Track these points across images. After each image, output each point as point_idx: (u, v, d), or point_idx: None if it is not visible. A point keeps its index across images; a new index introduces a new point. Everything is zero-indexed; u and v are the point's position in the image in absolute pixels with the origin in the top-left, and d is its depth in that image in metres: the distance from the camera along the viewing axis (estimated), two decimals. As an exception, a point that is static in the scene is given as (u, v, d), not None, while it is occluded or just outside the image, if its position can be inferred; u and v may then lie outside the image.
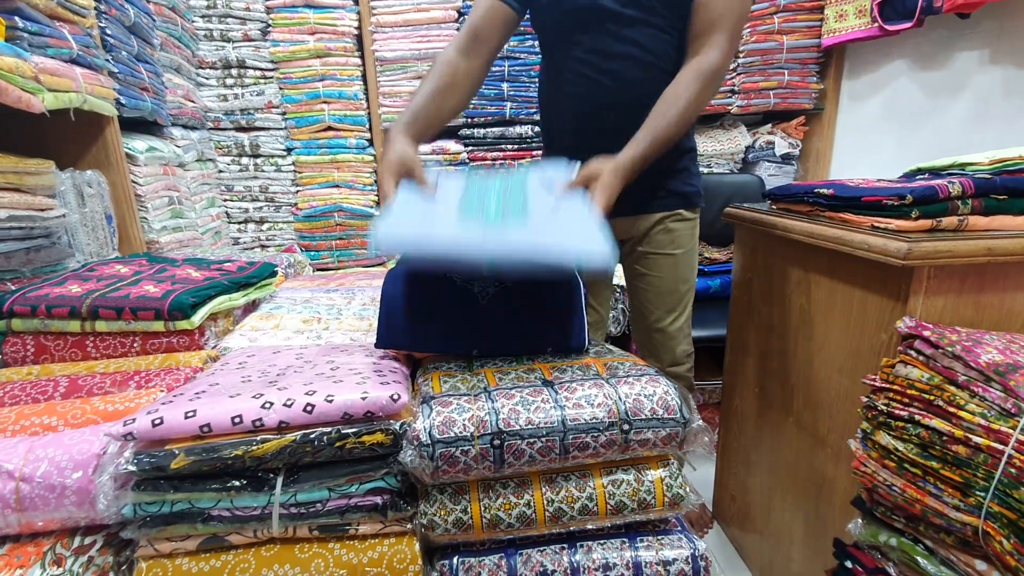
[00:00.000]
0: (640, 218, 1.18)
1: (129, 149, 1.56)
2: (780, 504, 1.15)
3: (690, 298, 1.25)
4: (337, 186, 2.21)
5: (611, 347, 0.91)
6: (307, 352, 0.88)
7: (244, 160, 2.18)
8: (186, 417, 0.64)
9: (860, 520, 0.78)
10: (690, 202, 1.19)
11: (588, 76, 1.08)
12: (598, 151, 0.94)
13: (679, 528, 0.72)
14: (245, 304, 1.13)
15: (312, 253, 2.25)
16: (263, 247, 2.27)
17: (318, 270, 2.24)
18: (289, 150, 2.18)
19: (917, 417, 0.70)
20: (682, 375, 1.28)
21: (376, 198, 2.24)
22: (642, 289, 1.25)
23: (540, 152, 1.26)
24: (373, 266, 2.30)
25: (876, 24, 1.84)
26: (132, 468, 0.63)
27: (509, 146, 2.20)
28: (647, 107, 1.01)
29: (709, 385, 1.96)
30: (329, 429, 0.66)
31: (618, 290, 1.91)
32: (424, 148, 2.16)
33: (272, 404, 0.65)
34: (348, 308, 1.20)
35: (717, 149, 2.19)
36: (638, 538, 0.70)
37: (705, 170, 2.22)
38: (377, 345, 0.81)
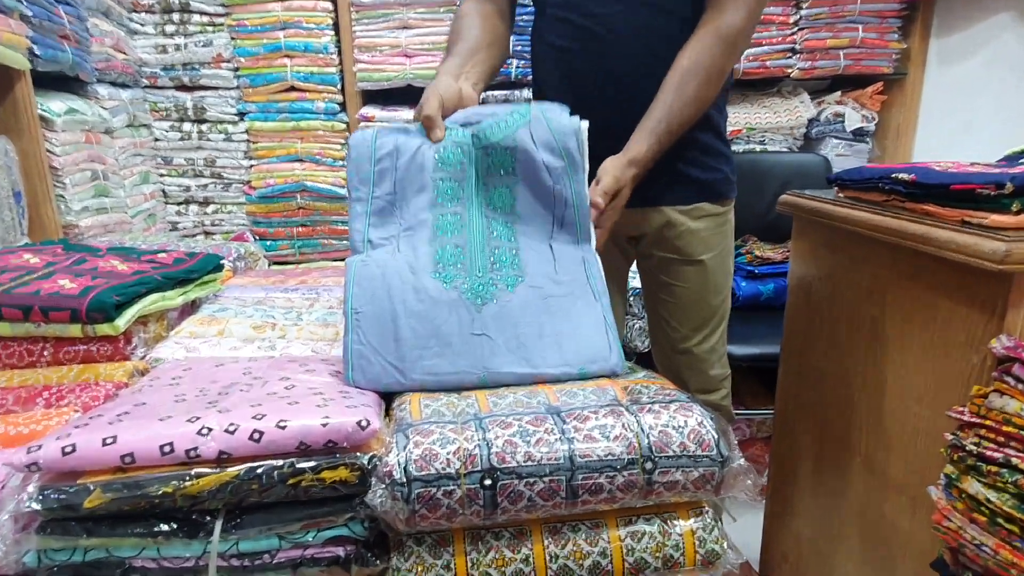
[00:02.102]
0: (648, 212, 1.17)
1: (44, 111, 1.57)
2: (843, 564, 1.14)
3: (724, 311, 1.25)
4: (300, 160, 2.22)
5: (633, 366, 0.91)
6: (257, 366, 0.88)
7: (186, 126, 2.19)
8: (104, 444, 0.64)
9: (941, 587, 0.78)
10: (716, 192, 1.18)
11: (575, 24, 1.08)
12: (599, 125, 0.97)
13: (715, 593, 0.72)
14: (183, 305, 1.13)
15: (268, 243, 2.26)
16: (207, 234, 2.28)
17: (275, 263, 2.25)
18: (242, 115, 2.19)
19: (1015, 460, 0.70)
20: (717, 404, 1.28)
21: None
22: (663, 301, 1.24)
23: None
24: (342, 259, 2.30)
25: (974, -31, 1.83)
26: (36, 506, 0.63)
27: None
28: (654, 68, 1.02)
29: (757, 415, 1.96)
30: (281, 462, 0.66)
31: (631, 301, 1.92)
32: (410, 115, 2.16)
33: (211, 430, 0.66)
34: (310, 312, 1.20)
35: (773, 122, 2.19)
36: (663, 605, 0.70)
37: (758, 147, 2.21)
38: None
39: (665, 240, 1.18)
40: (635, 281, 1.79)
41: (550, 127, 0.93)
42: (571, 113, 0.95)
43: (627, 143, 1.01)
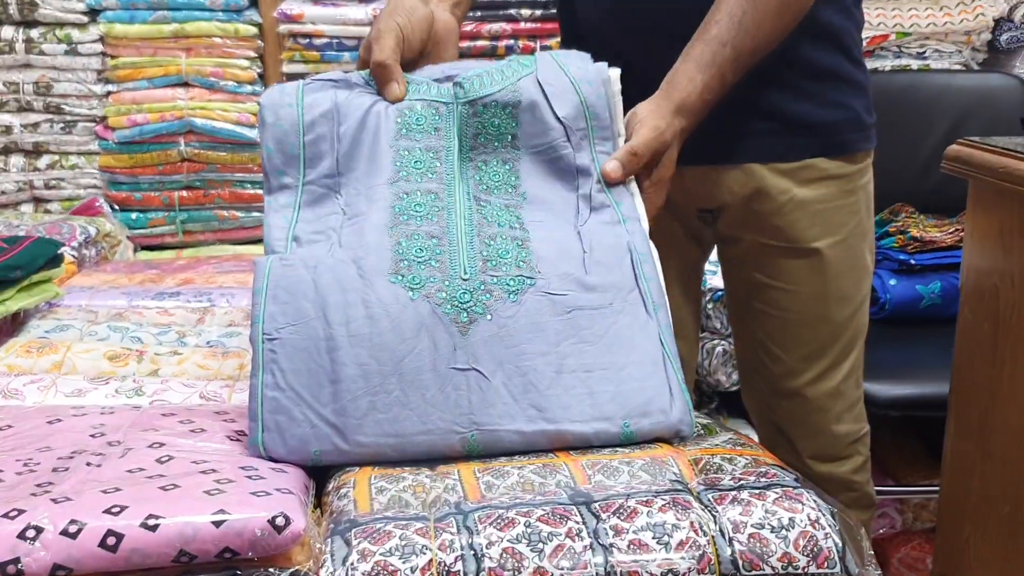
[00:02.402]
0: (726, 172, 1.16)
1: None
2: None
3: (858, 330, 1.25)
4: (185, 84, 2.22)
5: (710, 424, 0.91)
6: (115, 423, 0.88)
7: (6, 31, 2.19)
8: None
9: None
10: (839, 142, 1.17)
11: None
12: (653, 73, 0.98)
13: None
14: (-2, 321, 1.14)
15: (134, 215, 2.26)
16: (39, 203, 2.27)
17: (144, 249, 2.24)
18: (94, 12, 2.19)
19: None
20: (844, 480, 1.28)
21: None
22: (758, 313, 1.25)
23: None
24: (252, 242, 2.30)
25: None
26: None
27: (525, 9, 2.20)
28: None
29: (914, 493, 1.94)
30: (151, 582, 0.66)
31: (709, 310, 1.90)
32: (362, 13, 2.16)
33: (41, 531, 0.65)
34: (199, 332, 1.21)
35: (939, 23, 2.17)
36: None
37: (915, 63, 2.20)
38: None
39: (757, 217, 1.18)
40: (715, 279, 1.80)
41: (567, 74, 0.96)
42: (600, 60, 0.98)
43: (669, 77, 1.01)
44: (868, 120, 1.20)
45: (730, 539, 0.69)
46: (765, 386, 1.28)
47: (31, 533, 0.66)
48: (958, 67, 2.21)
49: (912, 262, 1.95)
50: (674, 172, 1.00)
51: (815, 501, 0.72)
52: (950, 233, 1.96)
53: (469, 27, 2.19)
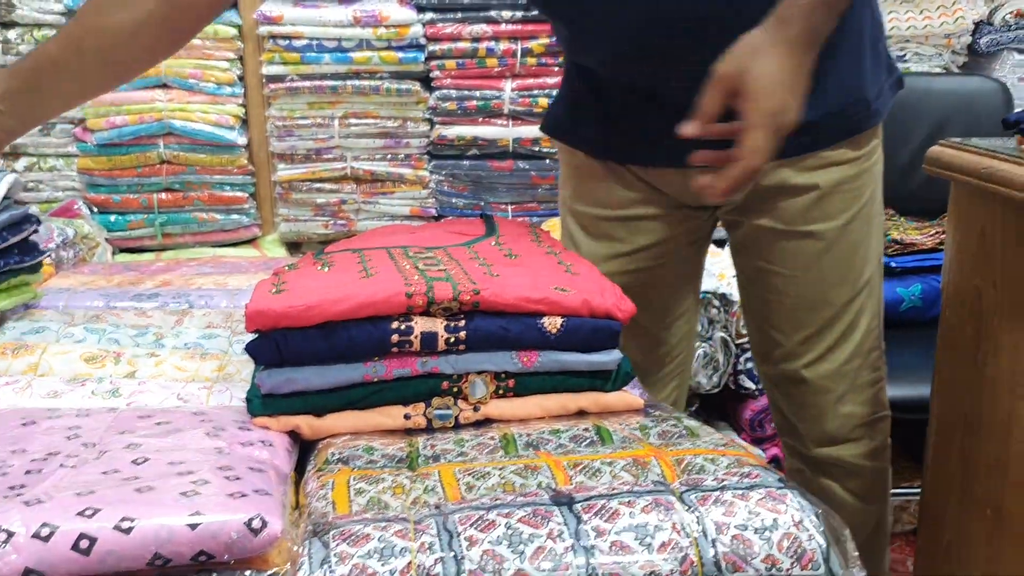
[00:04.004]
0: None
1: None
2: None
3: (860, 311, 1.25)
4: (165, 86, 2.22)
5: (690, 421, 0.91)
6: (91, 425, 0.88)
7: (-20, 30, 2.18)
8: None
9: None
10: (852, 118, 1.17)
11: None
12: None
13: None
14: (-27, 324, 1.13)
15: (112, 218, 2.26)
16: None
17: (123, 251, 2.23)
18: (72, 13, 2.17)
19: None
20: (849, 464, 1.29)
21: (240, 112, 2.23)
22: (759, 299, 1.27)
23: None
24: (233, 245, 2.30)
25: None
26: None
27: (506, 11, 2.20)
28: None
29: (894, 496, 1.94)
30: (125, 586, 0.65)
31: (716, 297, 1.91)
32: (343, 15, 2.16)
33: (12, 535, 0.65)
34: (177, 332, 1.20)
35: (920, 26, 2.18)
36: None
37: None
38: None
39: (752, 202, 1.20)
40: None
41: None
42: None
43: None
44: (864, 98, 1.18)
45: (713, 540, 0.69)
46: (771, 371, 1.31)
47: (1, 536, 0.65)
48: (938, 70, 2.23)
49: (892, 265, 1.96)
50: (778, 104, 0.91)
51: (799, 502, 0.72)
52: (930, 236, 1.98)
53: (449, 29, 2.20)
